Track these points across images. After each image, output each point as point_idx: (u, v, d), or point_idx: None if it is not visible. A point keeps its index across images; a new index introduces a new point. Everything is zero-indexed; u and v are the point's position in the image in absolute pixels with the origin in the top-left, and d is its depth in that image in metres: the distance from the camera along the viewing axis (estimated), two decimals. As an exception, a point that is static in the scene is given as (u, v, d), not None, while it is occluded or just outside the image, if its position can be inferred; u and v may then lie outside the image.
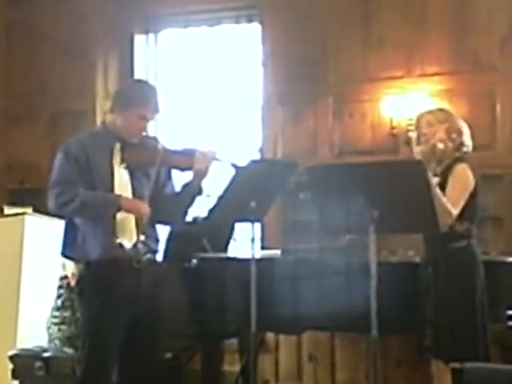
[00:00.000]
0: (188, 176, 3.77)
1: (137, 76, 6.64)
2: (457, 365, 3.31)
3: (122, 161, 3.66)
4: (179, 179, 3.86)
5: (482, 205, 5.14)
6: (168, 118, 6.60)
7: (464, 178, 3.93)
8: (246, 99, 6.50)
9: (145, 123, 3.69)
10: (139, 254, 3.62)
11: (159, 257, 3.90)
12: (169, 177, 3.84)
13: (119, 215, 3.59)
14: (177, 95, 6.75)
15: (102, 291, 3.56)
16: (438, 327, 3.92)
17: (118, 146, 3.68)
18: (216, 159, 3.70)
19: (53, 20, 6.62)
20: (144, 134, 3.72)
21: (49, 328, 5.18)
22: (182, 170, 3.76)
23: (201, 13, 6.55)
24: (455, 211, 3.81)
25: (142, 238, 3.62)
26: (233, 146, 6.33)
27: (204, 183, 3.74)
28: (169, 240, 4.68)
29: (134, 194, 3.66)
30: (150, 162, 3.66)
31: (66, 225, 3.68)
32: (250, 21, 6.44)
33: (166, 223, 3.98)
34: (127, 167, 3.67)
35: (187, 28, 6.68)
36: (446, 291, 3.93)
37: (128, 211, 3.58)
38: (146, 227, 3.65)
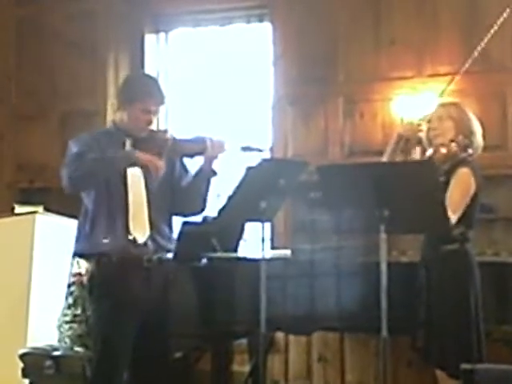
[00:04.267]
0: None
1: (147, 75, 6.64)
2: (467, 366, 3.30)
3: None
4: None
5: (493, 205, 5.14)
6: (178, 117, 6.61)
7: (465, 183, 3.86)
8: (257, 99, 6.49)
9: (149, 116, 3.70)
10: (150, 253, 3.62)
11: (170, 256, 3.90)
12: (185, 170, 3.85)
13: (132, 208, 3.59)
14: (187, 95, 6.75)
15: (112, 290, 3.56)
16: (428, 330, 3.89)
17: (128, 141, 3.69)
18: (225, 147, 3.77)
19: (63, 19, 6.63)
20: (152, 127, 3.73)
21: (60, 326, 5.18)
22: (192, 156, 3.77)
23: (211, 12, 6.55)
24: (454, 217, 3.75)
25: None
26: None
27: (215, 165, 3.78)
28: (178, 239, 4.67)
29: (147, 188, 3.66)
30: (161, 153, 3.66)
31: (79, 219, 3.68)
32: (260, 20, 6.44)
33: (186, 214, 4.01)
34: None
35: (198, 27, 6.68)
36: (436, 294, 3.89)
37: (144, 165, 3.57)
38: (158, 222, 3.66)
